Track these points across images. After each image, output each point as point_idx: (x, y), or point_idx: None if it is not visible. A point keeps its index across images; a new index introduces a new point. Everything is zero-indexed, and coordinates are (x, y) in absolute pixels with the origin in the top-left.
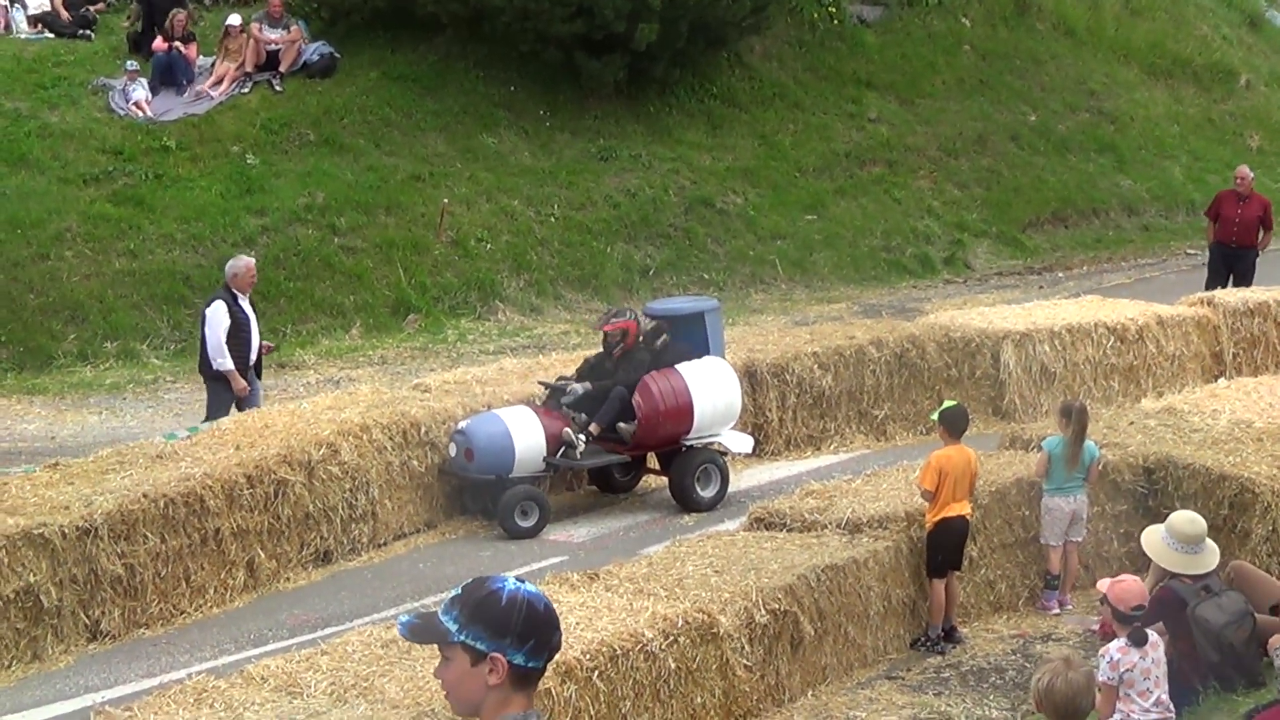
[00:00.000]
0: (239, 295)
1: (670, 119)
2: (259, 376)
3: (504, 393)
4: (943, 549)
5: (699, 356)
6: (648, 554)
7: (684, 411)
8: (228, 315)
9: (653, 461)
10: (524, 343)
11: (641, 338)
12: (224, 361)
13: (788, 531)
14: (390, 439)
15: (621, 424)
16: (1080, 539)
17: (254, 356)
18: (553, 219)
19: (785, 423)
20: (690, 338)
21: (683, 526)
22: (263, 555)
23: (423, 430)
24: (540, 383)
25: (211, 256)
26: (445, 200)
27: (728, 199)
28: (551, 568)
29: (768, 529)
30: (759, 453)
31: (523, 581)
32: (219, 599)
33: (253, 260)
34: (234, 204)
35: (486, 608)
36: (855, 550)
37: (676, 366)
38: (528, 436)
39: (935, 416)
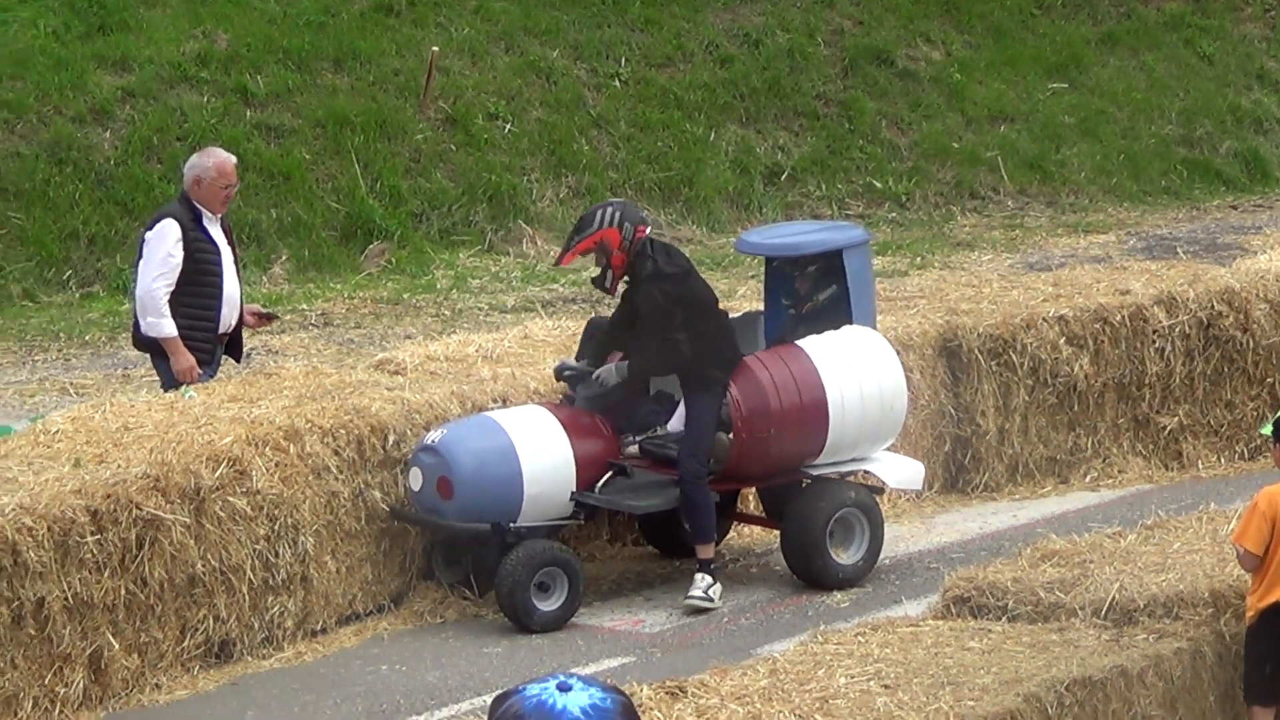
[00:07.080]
0: (204, 214)
1: None
2: (236, 357)
3: (529, 378)
4: (1273, 655)
5: (833, 325)
6: (769, 654)
7: (812, 419)
8: (180, 245)
9: (751, 501)
10: (567, 293)
11: (636, 248)
12: (158, 321)
13: (1009, 620)
14: (335, 454)
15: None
16: None
17: (228, 323)
18: (617, 83)
19: (1009, 436)
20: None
21: (829, 609)
22: (117, 646)
23: (390, 441)
24: (561, 367)
25: (38, 140)
26: (435, 49)
27: (915, 52)
28: (608, 675)
29: (975, 615)
30: (964, 488)
31: (587, 683)
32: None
33: (230, 158)
34: (76, 50)
35: None
36: (1124, 655)
37: (798, 342)
38: (545, 456)
39: (1268, 429)
